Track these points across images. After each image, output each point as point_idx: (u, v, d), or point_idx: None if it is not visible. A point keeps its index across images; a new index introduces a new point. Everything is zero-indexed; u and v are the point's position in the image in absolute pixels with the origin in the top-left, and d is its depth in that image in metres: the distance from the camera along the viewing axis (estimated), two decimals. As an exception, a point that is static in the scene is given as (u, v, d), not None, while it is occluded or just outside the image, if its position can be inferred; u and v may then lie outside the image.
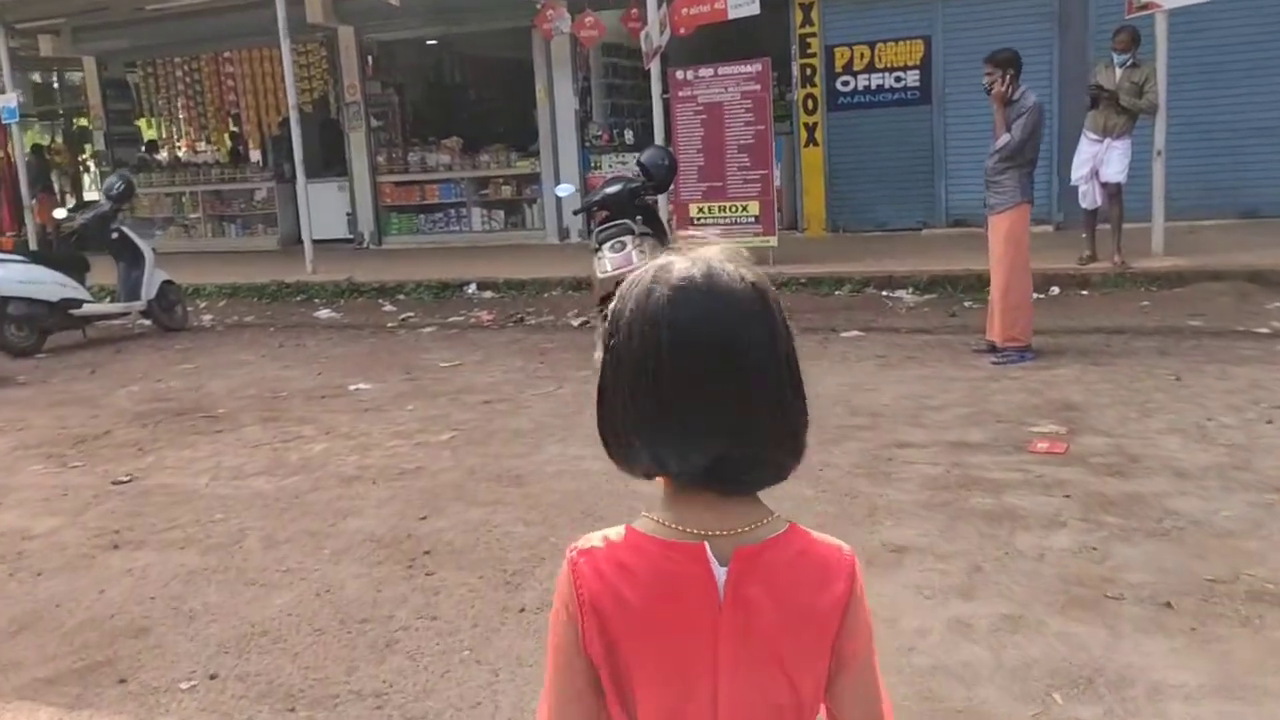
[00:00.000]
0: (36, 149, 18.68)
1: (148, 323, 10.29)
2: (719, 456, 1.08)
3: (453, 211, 15.20)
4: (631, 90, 15.41)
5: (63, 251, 10.07)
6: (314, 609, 3.67)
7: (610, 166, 14.23)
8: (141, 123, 18.54)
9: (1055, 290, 8.77)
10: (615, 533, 1.16)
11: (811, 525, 1.19)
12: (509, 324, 9.52)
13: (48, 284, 9.37)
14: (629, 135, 14.45)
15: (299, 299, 11.51)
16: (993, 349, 6.81)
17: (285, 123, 14.19)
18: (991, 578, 3.57)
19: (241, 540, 4.37)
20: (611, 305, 1.13)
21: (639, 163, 8.20)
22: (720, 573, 1.10)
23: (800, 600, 1.12)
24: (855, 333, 7.91)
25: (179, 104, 17.08)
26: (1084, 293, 8.75)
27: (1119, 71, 8.62)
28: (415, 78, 16.92)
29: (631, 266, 7.16)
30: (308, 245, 12.50)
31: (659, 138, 10.64)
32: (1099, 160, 8.70)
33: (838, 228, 12.96)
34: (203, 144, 19.06)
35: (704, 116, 10.37)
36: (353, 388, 7.13)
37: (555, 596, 1.16)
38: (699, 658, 1.11)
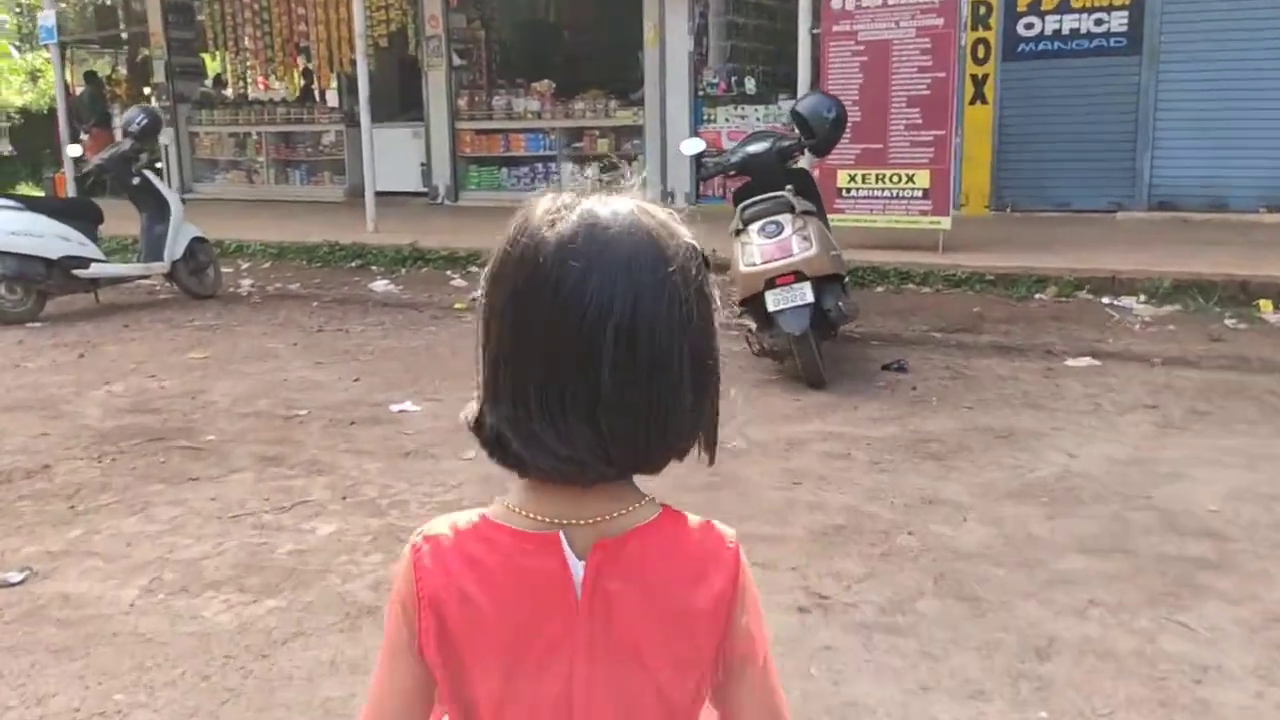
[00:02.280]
0: (91, 77, 17.05)
1: (175, 287, 8.52)
2: (587, 442, 0.93)
3: (540, 166, 13.18)
4: (756, 32, 13.19)
5: (74, 199, 8.26)
6: None
7: (727, 120, 12.10)
8: (206, 55, 16.83)
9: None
10: (467, 519, 1.02)
11: None
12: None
13: (47, 237, 7.61)
14: (750, 84, 12.25)
15: (354, 264, 9.64)
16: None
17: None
18: None
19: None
20: (499, 240, 0.97)
21: (795, 113, 6.07)
22: (578, 567, 0.98)
23: (672, 598, 0.99)
24: (1086, 360, 5.72)
25: (245, 34, 15.30)
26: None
27: None
28: (505, 11, 14.85)
29: (790, 259, 5.06)
30: (370, 200, 10.62)
31: (803, 85, 8.46)
32: None
33: (1004, 205, 10.64)
34: (274, 81, 17.35)
35: (864, 59, 8.14)
36: (396, 408, 5.19)
37: (392, 588, 1.03)
38: (552, 662, 0.98)
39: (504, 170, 13.51)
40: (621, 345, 0.91)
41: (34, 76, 21.97)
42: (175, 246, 8.32)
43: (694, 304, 0.95)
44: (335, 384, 5.74)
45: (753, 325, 5.62)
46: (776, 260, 5.18)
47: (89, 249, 7.89)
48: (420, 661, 1.00)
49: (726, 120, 12.09)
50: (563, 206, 0.98)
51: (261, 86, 19.11)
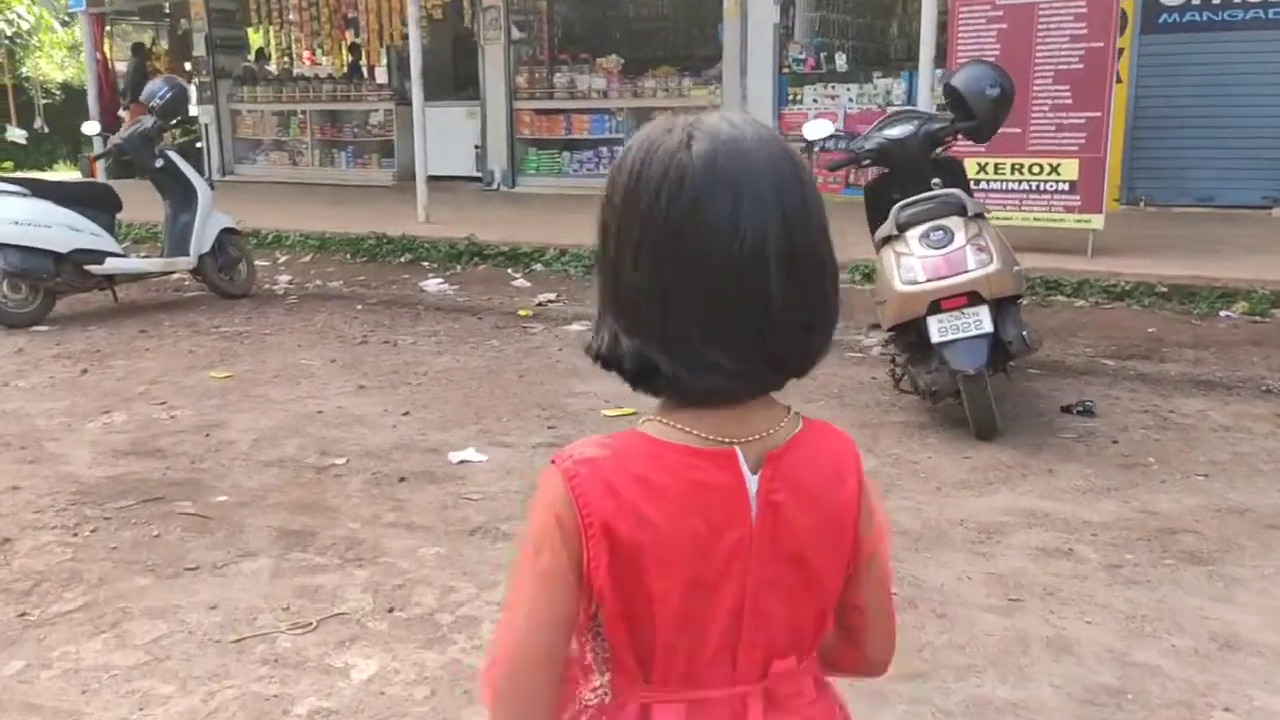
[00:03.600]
0: (139, 50, 16.15)
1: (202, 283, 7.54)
2: (758, 355, 0.94)
3: (605, 150, 12.04)
4: (847, 1, 11.94)
5: (88, 183, 7.26)
6: None
7: (815, 101, 10.89)
8: (250, 28, 15.86)
9: None
10: (620, 439, 0.98)
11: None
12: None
13: (55, 227, 6.63)
14: (840, 60, 11.02)
15: (404, 259, 8.58)
16: None
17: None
18: None
19: None
20: (624, 159, 0.95)
21: (949, 88, 4.89)
22: (752, 481, 0.98)
23: (824, 500, 1.02)
24: (1326, 406, 4.51)
25: (290, 4, 14.30)
26: None
27: None
28: (568, -19, 13.74)
29: (965, 276, 3.91)
30: (421, 187, 9.56)
31: (925, 58, 7.25)
32: None
33: (1136, 200, 9.35)
34: (321, 56, 16.37)
35: (1003, 26, 6.92)
36: (456, 457, 4.11)
37: (537, 512, 0.96)
38: (729, 573, 0.98)
39: (565, 154, 12.40)
40: (783, 264, 0.91)
41: (76, 50, 21.16)
42: (202, 239, 7.31)
43: (821, 206, 0.96)
44: (380, 418, 4.67)
45: (901, 355, 4.48)
46: (946, 278, 4.01)
47: (104, 241, 6.91)
48: (582, 587, 0.96)
49: (814, 101, 10.89)
50: (691, 125, 0.94)
51: (307, 62, 18.19)
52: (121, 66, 17.08)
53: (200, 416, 4.73)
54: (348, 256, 8.80)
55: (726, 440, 0.96)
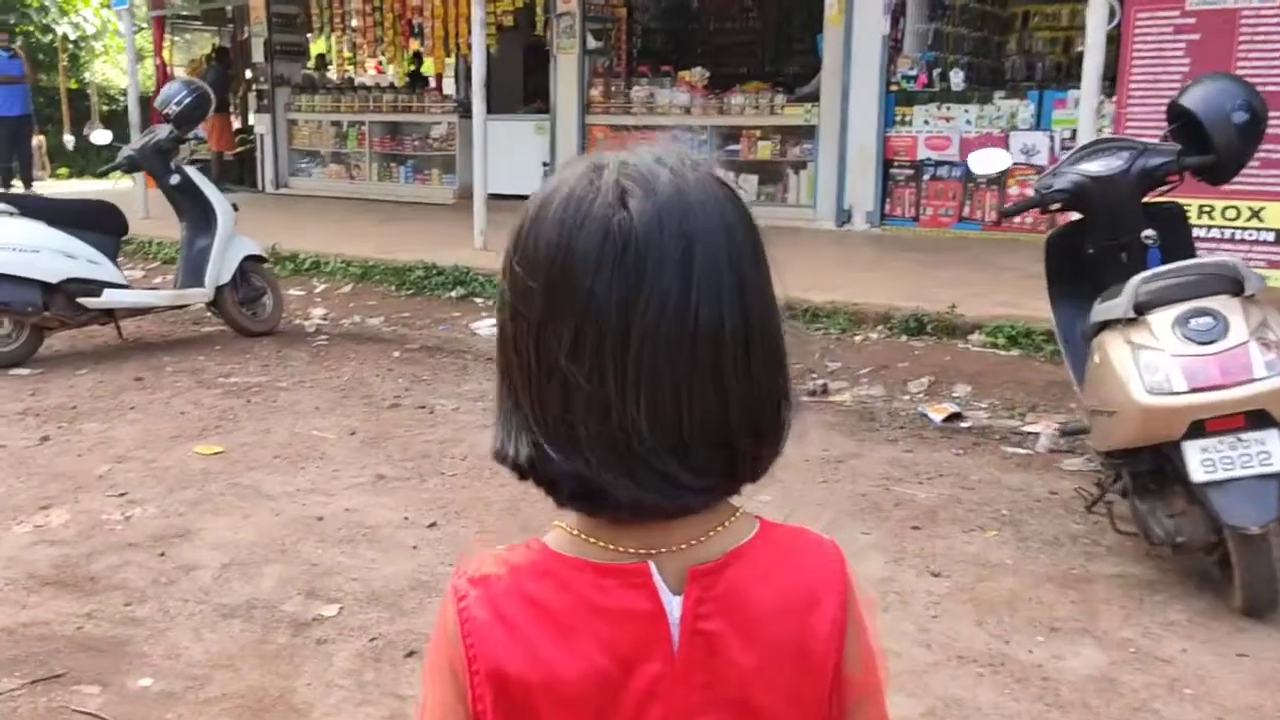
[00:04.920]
0: (222, 55, 15.20)
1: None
2: (722, 461, 0.77)
3: (688, 135, 10.83)
4: (963, 13, 10.62)
5: (89, 201, 6.24)
6: None
7: (926, 123, 9.58)
8: (312, 34, 14.97)
9: None
10: (519, 554, 0.82)
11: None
12: (816, 401, 5.13)
13: (44, 253, 5.61)
14: (956, 78, 9.70)
15: (455, 294, 7.45)
16: None
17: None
18: None
19: None
20: (517, 221, 0.78)
21: (1177, 110, 3.60)
22: (673, 604, 0.78)
23: (780, 631, 0.80)
24: None
25: (352, 9, 13.36)
26: None
27: None
28: (650, -13, 12.62)
29: (1250, 386, 2.60)
30: (479, 209, 8.44)
31: (1090, 72, 5.91)
32: None
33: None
34: (386, 65, 15.44)
35: (1194, 37, 5.59)
36: (491, 614, 2.91)
37: (432, 642, 0.83)
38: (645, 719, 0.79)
39: (642, 175, 11.22)
40: (740, 346, 0.75)
41: (142, 56, 20.58)
42: (221, 268, 6.26)
43: (767, 265, 0.80)
44: (397, 531, 3.49)
45: (1117, 478, 3.20)
46: (1219, 388, 2.70)
47: (103, 269, 5.88)
48: None
49: (925, 123, 9.58)
50: (620, 175, 0.75)
51: (372, 70, 17.33)
52: (181, 72, 16.33)
53: (164, 519, 3.60)
54: (392, 288, 7.70)
55: (640, 553, 0.78)
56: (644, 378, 0.73)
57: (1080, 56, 11.04)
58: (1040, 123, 9.05)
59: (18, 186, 12.78)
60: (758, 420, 0.78)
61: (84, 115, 17.67)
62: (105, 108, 18.93)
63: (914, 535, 3.54)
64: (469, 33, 11.49)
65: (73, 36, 19.41)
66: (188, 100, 6.11)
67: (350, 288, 7.84)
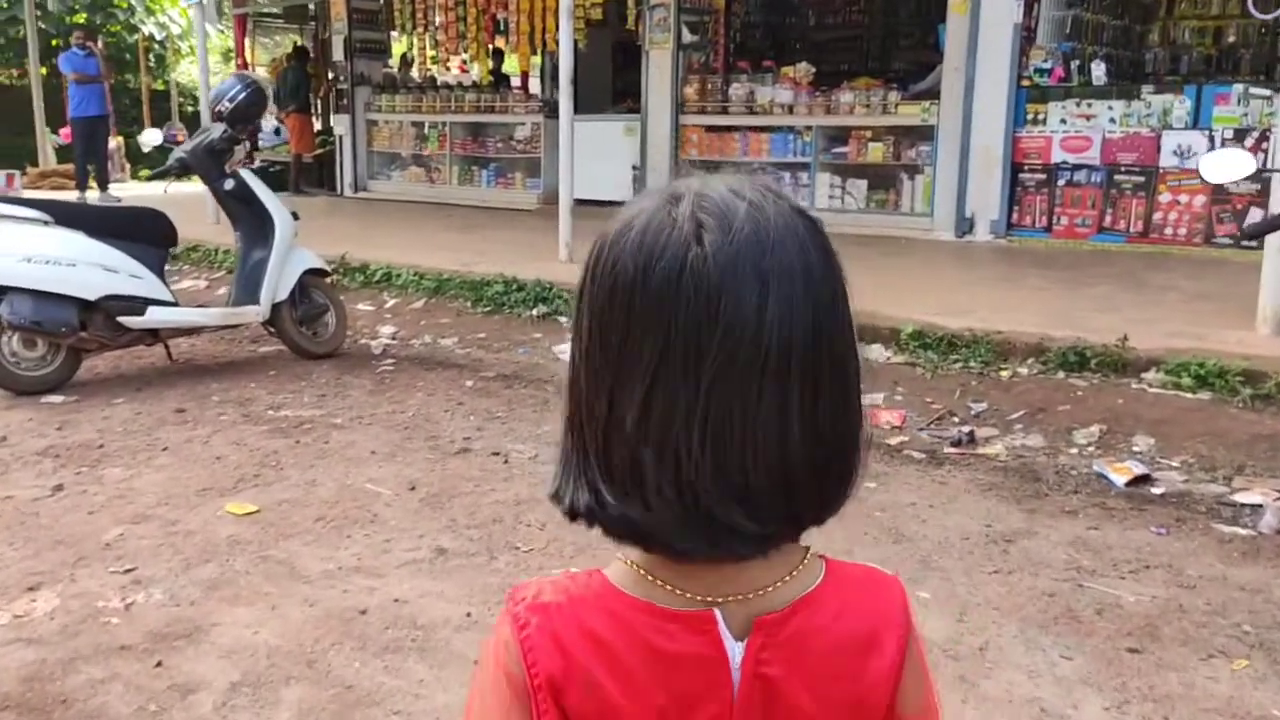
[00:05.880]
0: (301, 54, 14.63)
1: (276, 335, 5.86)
2: (782, 510, 0.74)
3: (789, 177, 9.96)
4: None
5: (134, 209, 5.64)
6: None
7: (1063, 122, 8.57)
8: (394, 32, 14.42)
9: None
10: (580, 584, 0.80)
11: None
12: (962, 454, 4.26)
13: (80, 267, 5.02)
14: (1098, 70, 8.65)
15: (536, 312, 6.70)
16: None
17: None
18: None
19: None
20: (592, 252, 0.76)
21: None
22: (735, 649, 0.77)
23: (843, 678, 0.79)
24: None
25: (435, 3, 12.77)
26: None
27: None
28: (750, -23, 11.77)
29: None
30: (564, 217, 7.69)
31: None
32: None
33: None
34: (470, 63, 14.82)
35: None
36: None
37: (485, 660, 0.81)
38: None
39: (740, 180, 10.37)
40: (810, 389, 0.73)
41: (226, 56, 20.43)
42: (279, 284, 5.62)
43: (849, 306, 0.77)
44: (457, 635, 2.73)
45: None
46: None
47: (147, 284, 5.27)
48: None
49: (1062, 121, 8.56)
50: (695, 207, 0.73)
51: (457, 70, 16.81)
52: (262, 72, 16.00)
53: (171, 608, 2.89)
54: (468, 304, 6.99)
55: (707, 600, 0.77)
56: (711, 421, 0.70)
57: (1234, 48, 9.95)
58: (1198, 121, 7.98)
59: (94, 190, 12.44)
60: (824, 464, 0.74)
61: (165, 116, 17.46)
62: (190, 109, 18.73)
63: (1133, 663, 2.66)
64: (555, 28, 10.82)
65: (159, 36, 19.29)
66: (241, 96, 5.46)
67: (423, 303, 7.16)
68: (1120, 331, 5.25)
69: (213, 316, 5.55)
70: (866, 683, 0.79)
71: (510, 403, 5.03)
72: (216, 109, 5.50)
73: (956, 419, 4.71)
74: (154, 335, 5.40)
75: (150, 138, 6.11)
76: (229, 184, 5.59)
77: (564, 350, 5.85)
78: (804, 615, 0.78)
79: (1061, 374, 5.03)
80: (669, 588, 0.77)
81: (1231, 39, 10.33)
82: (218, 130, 5.55)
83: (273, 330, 5.82)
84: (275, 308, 5.65)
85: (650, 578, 0.77)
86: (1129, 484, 3.94)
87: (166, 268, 5.56)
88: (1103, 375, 4.96)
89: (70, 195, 11.91)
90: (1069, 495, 3.86)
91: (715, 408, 0.70)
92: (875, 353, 5.54)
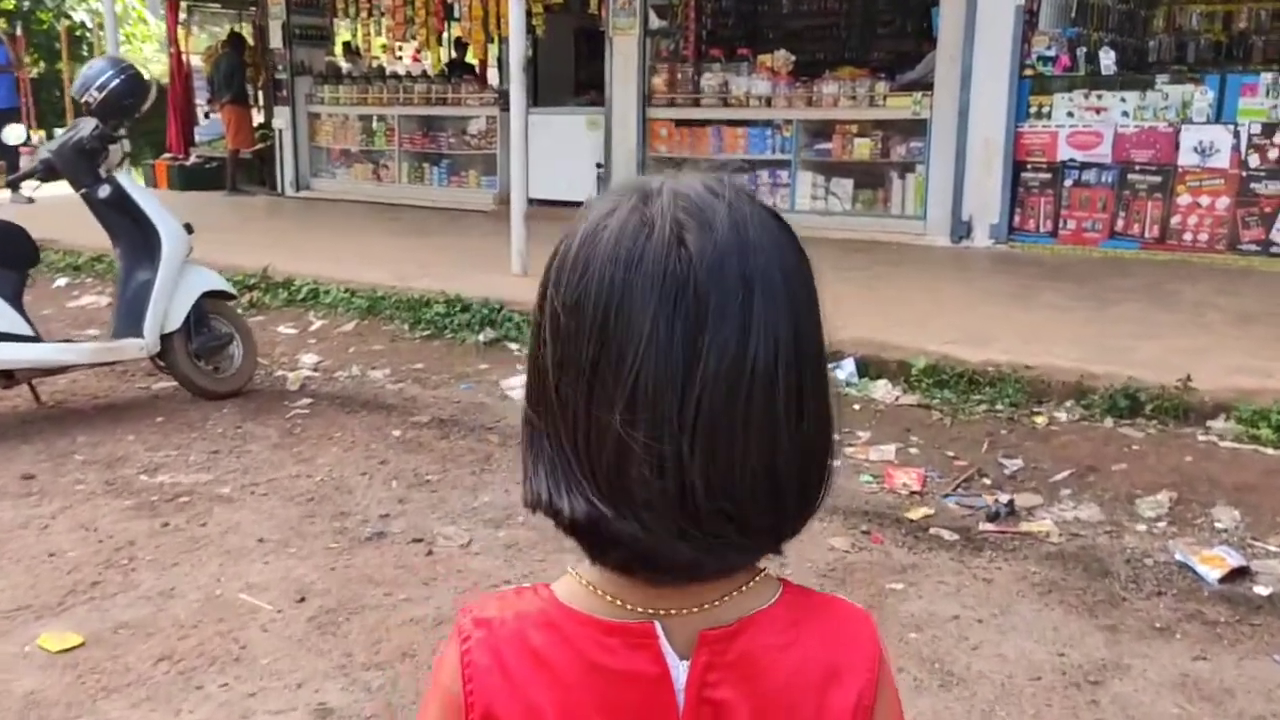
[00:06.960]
0: (237, 41, 13.44)
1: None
2: (768, 522, 0.71)
3: (766, 174, 9.07)
4: (1111, -19, 8.75)
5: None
6: None
7: (1069, 114, 7.75)
8: (336, 18, 13.32)
9: None
10: (527, 600, 0.77)
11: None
12: (1002, 532, 3.39)
13: (-89, 297, 4.03)
14: (1106, 59, 7.84)
15: (483, 338, 5.76)
16: None
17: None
18: None
19: None
20: (555, 255, 0.72)
21: None
22: (679, 669, 0.73)
23: (797, 705, 0.74)
24: None
25: (379, -12, 11.75)
26: None
27: None
28: (721, -42, 10.87)
29: None
30: (517, 226, 6.76)
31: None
32: None
33: None
34: (423, 52, 13.79)
35: None
36: None
37: (434, 677, 0.79)
38: None
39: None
40: (794, 397, 0.70)
41: (165, 46, 19.20)
42: (169, 311, 4.65)
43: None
44: None
45: None
46: None
47: (3, 318, 4.29)
48: None
49: (1069, 115, 7.75)
50: (673, 210, 0.68)
51: (410, 60, 15.80)
52: (197, 60, 14.91)
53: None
54: (405, 326, 6.04)
55: (648, 612, 0.73)
56: (700, 430, 0.67)
57: (1246, 35, 9.13)
58: (1221, 114, 7.19)
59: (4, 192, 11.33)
60: (806, 477, 0.72)
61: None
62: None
63: None
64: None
65: (90, 24, 18.09)
66: (114, 84, 4.46)
67: (354, 325, 6.19)
68: (1169, 364, 4.45)
69: (82, 353, 4.56)
70: (823, 715, 0.74)
71: (444, 460, 4.11)
72: (84, 99, 4.51)
73: (988, 480, 3.85)
74: (8, 377, 4.42)
75: (12, 135, 5.09)
76: (103, 190, 4.59)
77: (514, 386, 4.95)
78: (752, 634, 0.73)
79: (1109, 421, 4.18)
80: (612, 599, 0.73)
81: (1243, 25, 9.57)
82: (87, 126, 4.55)
83: (164, 366, 4.85)
84: (166, 339, 4.68)
85: (597, 591, 0.74)
86: (1223, 580, 3.10)
87: (27, 293, 4.58)
88: (1160, 424, 4.12)
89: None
90: (1152, 599, 3.00)
91: (704, 421, 0.66)
92: (881, 390, 4.67)
